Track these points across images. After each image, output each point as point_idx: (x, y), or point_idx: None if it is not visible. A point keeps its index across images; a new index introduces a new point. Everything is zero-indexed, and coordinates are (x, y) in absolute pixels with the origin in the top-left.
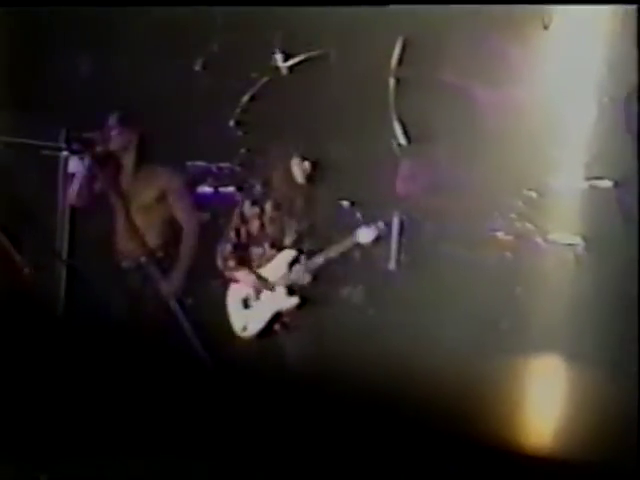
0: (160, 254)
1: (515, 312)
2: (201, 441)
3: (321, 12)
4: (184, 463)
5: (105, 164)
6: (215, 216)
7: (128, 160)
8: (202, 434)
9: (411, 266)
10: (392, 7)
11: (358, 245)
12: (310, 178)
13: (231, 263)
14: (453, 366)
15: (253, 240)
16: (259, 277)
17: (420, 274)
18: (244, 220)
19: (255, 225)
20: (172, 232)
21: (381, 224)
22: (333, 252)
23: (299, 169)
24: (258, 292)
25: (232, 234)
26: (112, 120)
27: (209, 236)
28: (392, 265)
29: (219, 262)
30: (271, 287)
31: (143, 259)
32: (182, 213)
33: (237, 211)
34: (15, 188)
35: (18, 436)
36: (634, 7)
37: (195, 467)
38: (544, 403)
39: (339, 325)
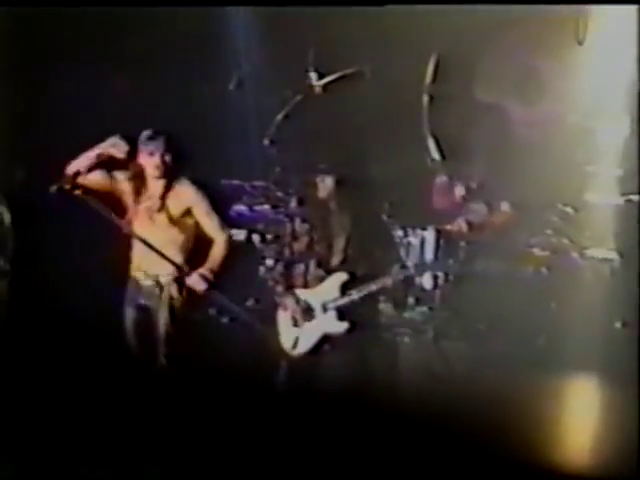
0: (187, 267)
1: (551, 327)
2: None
3: (355, 29)
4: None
5: (136, 183)
6: (250, 234)
7: (160, 179)
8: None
9: (447, 283)
10: (425, 23)
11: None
12: (341, 195)
13: (279, 288)
14: (489, 381)
15: (300, 258)
16: (304, 306)
17: (456, 290)
18: (295, 237)
19: (304, 242)
20: (200, 247)
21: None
22: (387, 281)
23: (322, 185)
24: (305, 317)
25: (285, 251)
26: (145, 138)
27: (246, 253)
28: (428, 283)
29: (269, 282)
30: (315, 315)
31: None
32: (211, 228)
33: (282, 229)
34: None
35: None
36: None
37: None
38: (580, 418)
39: (378, 345)
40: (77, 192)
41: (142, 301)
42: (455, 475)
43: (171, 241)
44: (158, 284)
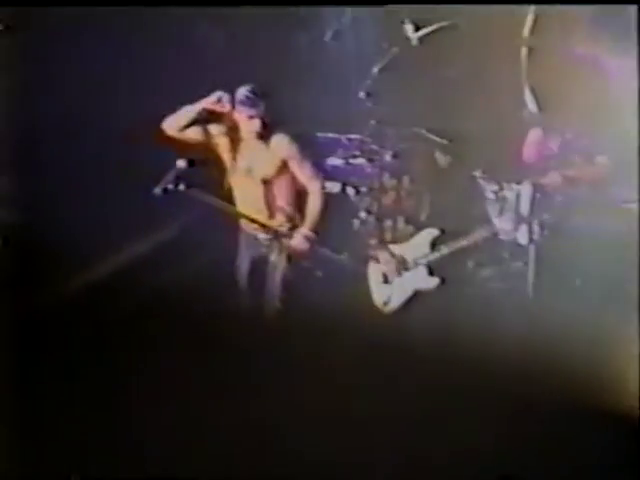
0: (287, 225)
1: None
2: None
3: None
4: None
5: (232, 138)
6: (345, 187)
7: (253, 132)
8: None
9: (542, 238)
10: None
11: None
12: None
13: (372, 241)
14: (577, 336)
15: (389, 213)
16: (399, 259)
17: (551, 245)
18: (383, 191)
19: (391, 198)
20: (298, 202)
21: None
22: (477, 236)
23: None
24: (399, 269)
25: (373, 206)
26: (243, 98)
27: (341, 207)
28: (523, 238)
29: (361, 237)
30: (409, 267)
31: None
32: (305, 178)
33: (377, 182)
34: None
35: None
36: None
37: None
38: None
39: (471, 300)
40: (181, 188)
41: (257, 253)
42: (548, 429)
43: (269, 199)
44: (275, 234)
